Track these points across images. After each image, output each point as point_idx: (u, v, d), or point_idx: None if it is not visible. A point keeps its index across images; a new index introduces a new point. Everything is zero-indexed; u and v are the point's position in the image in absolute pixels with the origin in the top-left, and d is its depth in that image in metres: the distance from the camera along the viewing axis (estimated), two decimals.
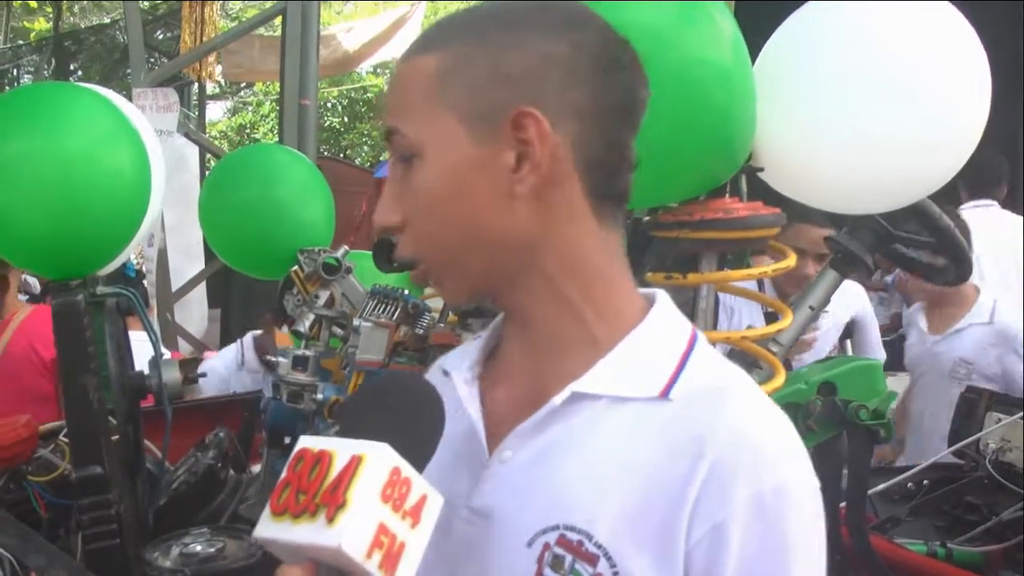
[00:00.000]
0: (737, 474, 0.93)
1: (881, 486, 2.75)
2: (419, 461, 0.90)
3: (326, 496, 0.84)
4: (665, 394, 1.00)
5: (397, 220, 1.02)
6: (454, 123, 0.97)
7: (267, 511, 0.86)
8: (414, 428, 0.92)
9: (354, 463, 0.85)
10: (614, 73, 1.00)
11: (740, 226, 1.71)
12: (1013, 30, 5.19)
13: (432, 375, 1.14)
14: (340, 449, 0.86)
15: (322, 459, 0.86)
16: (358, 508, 0.83)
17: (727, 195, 1.80)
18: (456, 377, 1.11)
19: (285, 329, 3.35)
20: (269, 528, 0.86)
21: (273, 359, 2.43)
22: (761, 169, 1.77)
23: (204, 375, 2.67)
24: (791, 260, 1.85)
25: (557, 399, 1.01)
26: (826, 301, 2.17)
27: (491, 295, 1.08)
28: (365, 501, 0.83)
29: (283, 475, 0.87)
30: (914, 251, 2.20)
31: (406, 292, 2.29)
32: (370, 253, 2.36)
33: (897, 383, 5.61)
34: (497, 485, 1.02)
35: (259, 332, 4.15)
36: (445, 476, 1.00)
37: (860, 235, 2.13)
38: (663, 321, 1.06)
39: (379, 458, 0.85)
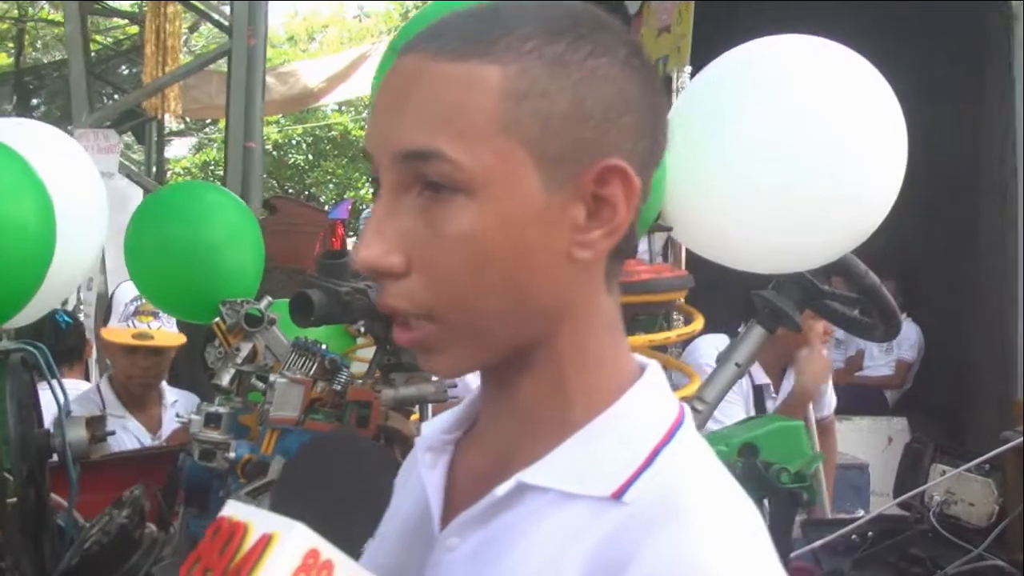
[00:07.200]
0: None
1: (826, 538, 2.68)
2: (358, 534, 0.81)
3: None
4: (619, 495, 0.80)
5: (398, 263, 0.80)
6: (525, 160, 0.78)
7: None
8: (355, 498, 0.83)
9: (263, 543, 0.75)
10: (666, 118, 0.85)
11: (641, 289, 1.66)
12: None
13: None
14: (256, 523, 0.76)
15: (235, 532, 0.76)
16: None
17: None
18: (420, 443, 0.94)
19: None
20: None
21: None
22: (670, 229, 1.73)
23: (113, 433, 2.58)
24: (698, 323, 1.82)
25: (500, 490, 0.84)
26: (753, 358, 2.13)
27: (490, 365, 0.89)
28: None
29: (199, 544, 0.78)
30: (843, 307, 2.18)
31: (324, 347, 2.23)
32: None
33: (852, 426, 5.59)
34: (440, 574, 0.89)
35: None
36: (403, 548, 0.91)
37: (788, 291, 2.10)
38: (643, 401, 0.86)
39: (291, 539, 0.75)
